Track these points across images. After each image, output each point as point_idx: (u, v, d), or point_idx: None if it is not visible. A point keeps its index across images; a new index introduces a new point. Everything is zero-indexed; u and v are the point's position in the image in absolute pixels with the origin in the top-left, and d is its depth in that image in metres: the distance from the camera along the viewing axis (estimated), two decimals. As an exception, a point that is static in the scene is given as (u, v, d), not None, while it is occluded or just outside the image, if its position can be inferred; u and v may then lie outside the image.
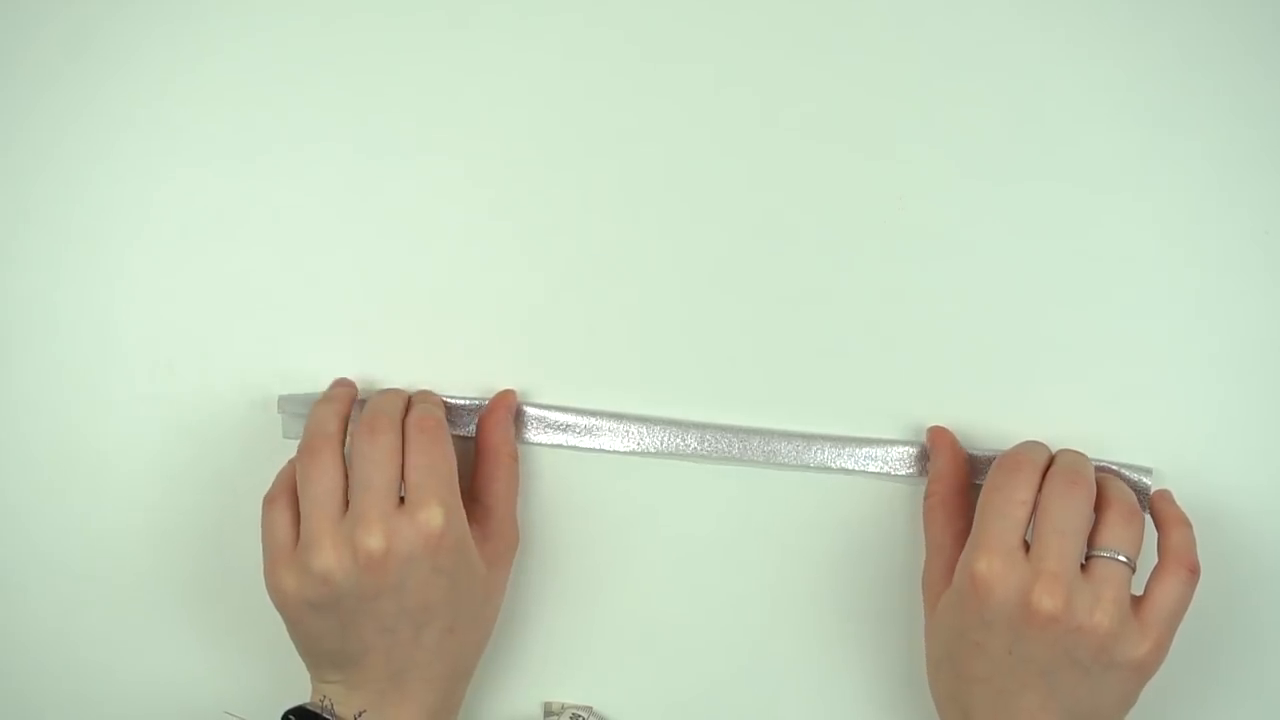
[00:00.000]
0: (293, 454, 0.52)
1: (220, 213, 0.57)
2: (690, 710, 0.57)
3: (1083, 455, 0.50)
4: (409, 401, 0.53)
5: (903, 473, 0.54)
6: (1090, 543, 0.48)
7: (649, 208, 0.56)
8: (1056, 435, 0.53)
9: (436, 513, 0.49)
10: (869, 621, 0.56)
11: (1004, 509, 0.48)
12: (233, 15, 0.56)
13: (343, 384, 0.55)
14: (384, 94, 0.56)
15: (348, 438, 0.51)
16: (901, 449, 0.54)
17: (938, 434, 0.54)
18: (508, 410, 0.55)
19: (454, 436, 0.53)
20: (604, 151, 0.55)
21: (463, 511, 0.51)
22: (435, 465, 0.50)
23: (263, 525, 0.51)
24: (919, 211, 0.54)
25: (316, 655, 0.51)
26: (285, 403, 0.56)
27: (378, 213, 0.56)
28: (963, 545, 0.50)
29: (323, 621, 0.50)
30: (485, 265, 0.56)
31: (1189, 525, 0.49)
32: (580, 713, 0.57)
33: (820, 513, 0.56)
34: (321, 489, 0.49)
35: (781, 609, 0.56)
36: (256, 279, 0.57)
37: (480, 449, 0.55)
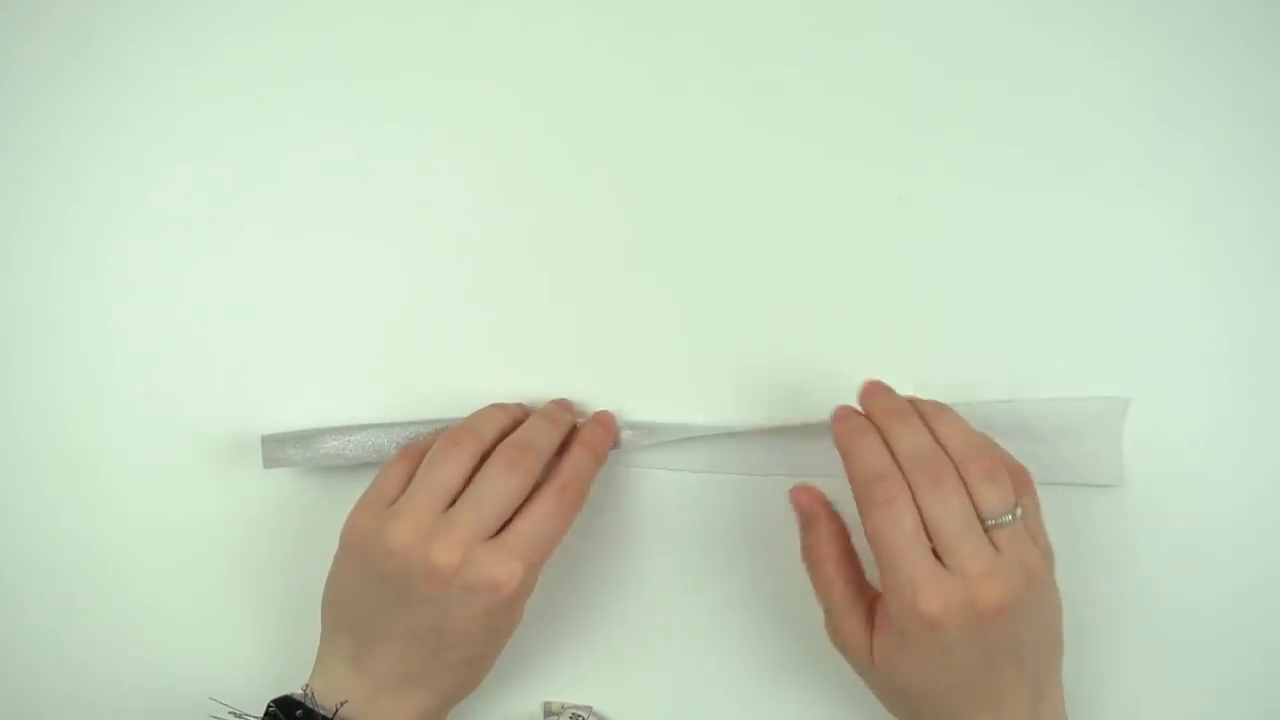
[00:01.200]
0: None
1: (219, 214, 0.57)
2: (690, 710, 0.58)
3: (910, 421, 0.49)
4: (577, 432, 0.53)
5: None
6: (979, 513, 0.47)
7: (649, 209, 0.56)
8: (1048, 437, 0.53)
9: (516, 570, 0.48)
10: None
11: (903, 544, 0.47)
12: (231, 17, 0.56)
13: (524, 408, 0.55)
14: (384, 96, 0.56)
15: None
16: None
17: (808, 497, 0.51)
18: (598, 464, 0.53)
19: None
20: (604, 154, 0.55)
21: (536, 578, 0.50)
22: (548, 529, 0.50)
23: (383, 468, 0.51)
24: (918, 211, 0.54)
25: (345, 620, 0.51)
26: (268, 444, 0.56)
27: (377, 214, 0.56)
28: (867, 593, 0.50)
29: (365, 584, 0.50)
30: (485, 267, 0.56)
31: (990, 438, 0.49)
32: (580, 713, 0.57)
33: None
34: (439, 479, 0.50)
35: (781, 609, 0.56)
36: (255, 279, 0.57)
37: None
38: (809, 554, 0.52)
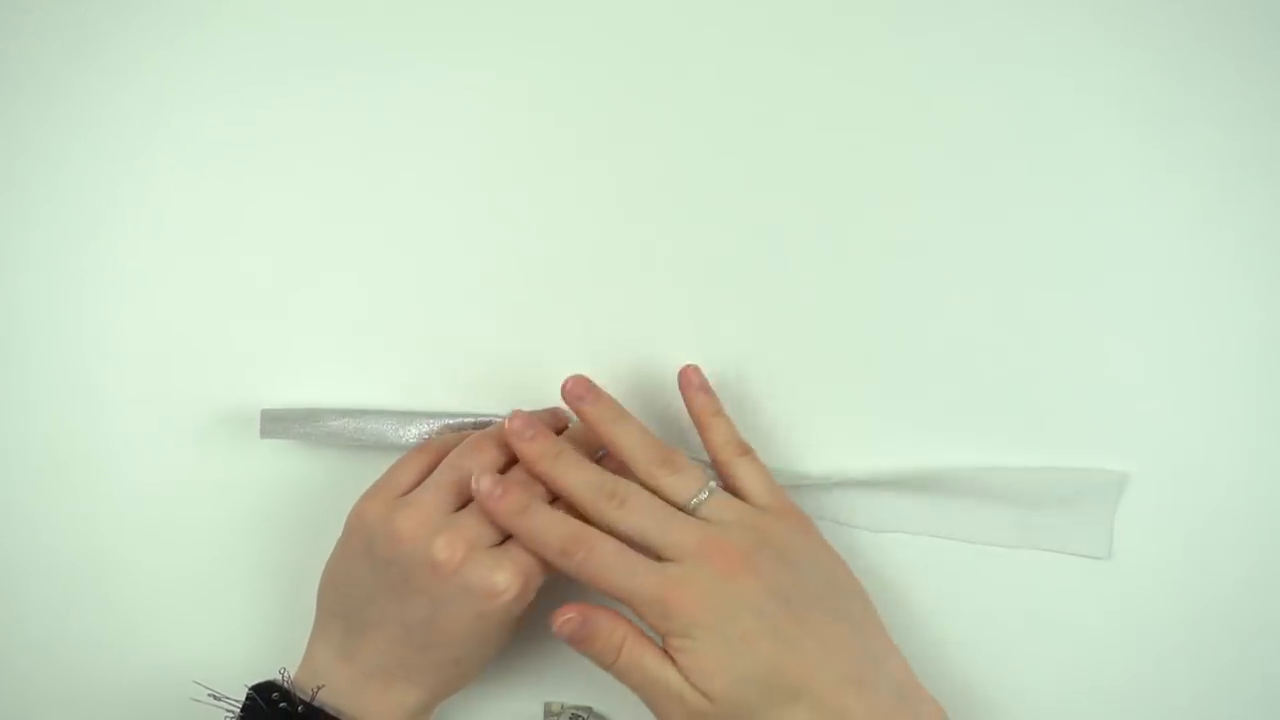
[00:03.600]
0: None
1: (219, 214, 0.57)
2: (690, 710, 0.57)
3: (565, 455, 0.49)
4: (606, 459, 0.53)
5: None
6: (674, 504, 0.49)
7: (649, 211, 0.56)
8: (1051, 436, 0.53)
9: (513, 583, 0.49)
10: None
11: (622, 572, 0.47)
12: (233, 20, 0.56)
13: (555, 415, 0.54)
14: (386, 97, 0.56)
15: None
16: None
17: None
18: None
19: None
20: (604, 154, 0.55)
21: (534, 594, 0.50)
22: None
23: (401, 458, 0.52)
24: (910, 217, 0.54)
25: (340, 604, 0.51)
26: (267, 418, 0.56)
27: (377, 215, 0.56)
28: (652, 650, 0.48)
29: (366, 569, 0.50)
30: (484, 267, 0.56)
31: (722, 412, 0.52)
32: (580, 713, 0.57)
33: (818, 512, 0.56)
34: (457, 479, 0.50)
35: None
36: (255, 280, 0.57)
37: None
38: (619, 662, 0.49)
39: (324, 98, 0.56)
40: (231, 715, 0.51)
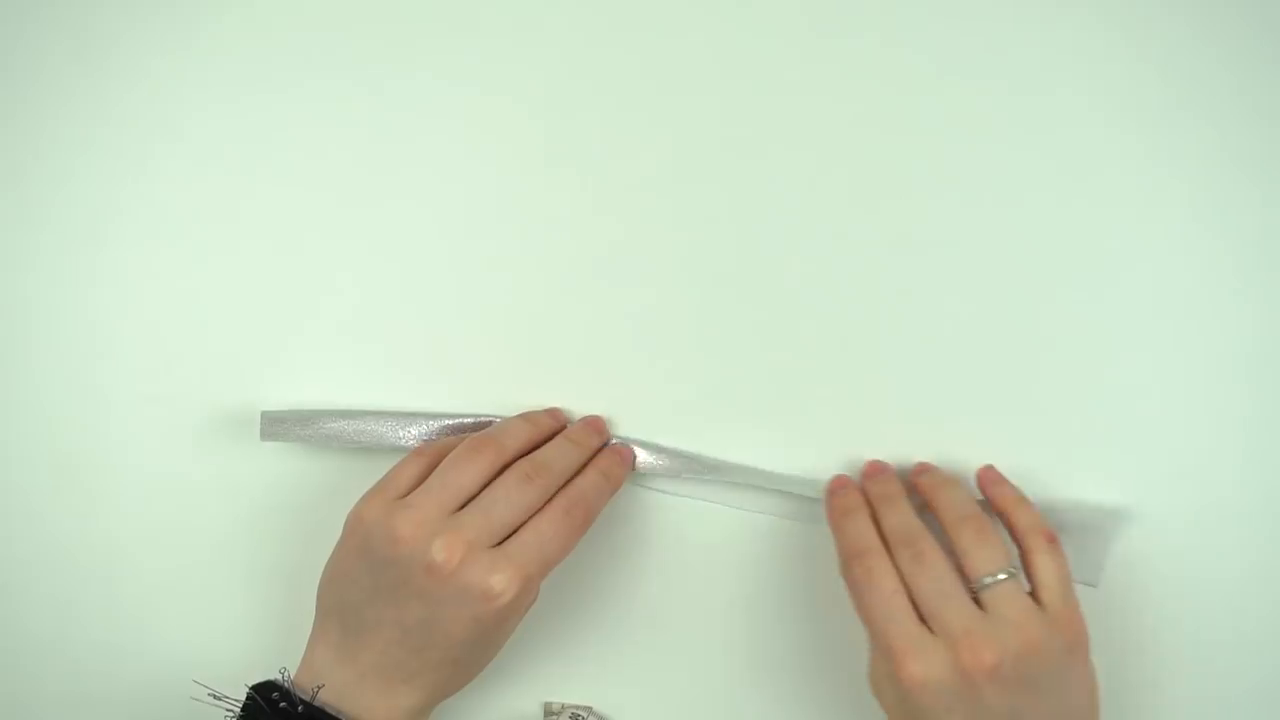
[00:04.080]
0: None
1: (221, 215, 0.57)
2: (690, 710, 0.58)
3: (899, 506, 0.51)
4: (598, 455, 0.54)
5: None
6: (966, 576, 0.49)
7: (650, 212, 0.55)
8: (1045, 438, 0.53)
9: (512, 583, 0.49)
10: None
11: (886, 609, 0.48)
12: (235, 26, 0.56)
13: (554, 415, 0.55)
14: (387, 98, 0.56)
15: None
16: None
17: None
18: (611, 491, 0.54)
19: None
20: (605, 154, 0.55)
21: (536, 594, 0.50)
22: (550, 546, 0.50)
23: (399, 461, 0.52)
24: (910, 219, 0.54)
25: (339, 605, 0.51)
26: (267, 420, 0.56)
27: (378, 217, 0.56)
28: None
29: (364, 572, 0.50)
30: (485, 269, 0.56)
31: (1024, 499, 0.51)
32: (580, 713, 0.57)
33: (817, 518, 0.56)
34: (455, 481, 0.50)
35: (782, 610, 0.56)
36: (256, 281, 0.57)
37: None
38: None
39: (327, 100, 0.56)
40: (232, 715, 0.51)
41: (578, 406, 0.56)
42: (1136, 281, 0.53)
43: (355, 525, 0.51)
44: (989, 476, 0.53)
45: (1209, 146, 0.52)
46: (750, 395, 0.56)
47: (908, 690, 0.47)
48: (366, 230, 0.57)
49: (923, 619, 0.48)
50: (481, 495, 0.50)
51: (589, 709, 0.57)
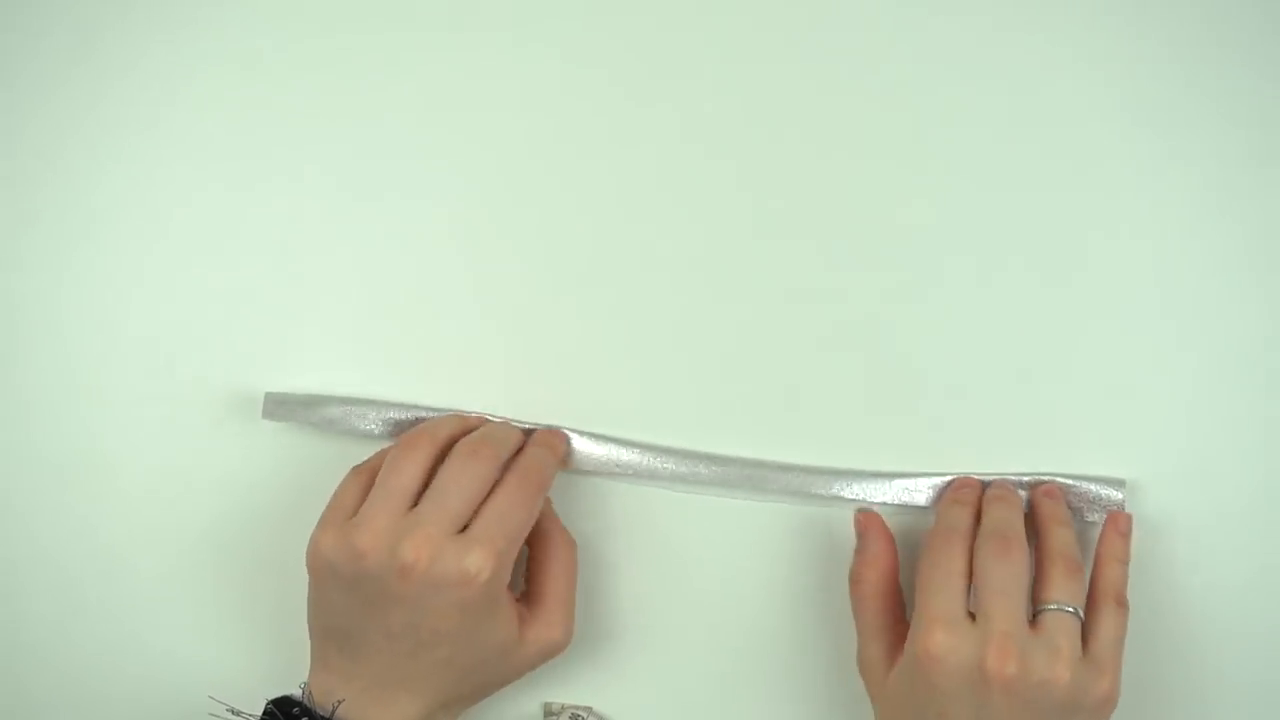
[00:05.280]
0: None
1: (221, 215, 0.57)
2: (690, 710, 0.57)
3: (1013, 508, 0.51)
4: (528, 438, 0.54)
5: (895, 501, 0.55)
6: (1036, 598, 0.49)
7: (649, 213, 0.55)
8: (1041, 437, 0.53)
9: (485, 562, 0.49)
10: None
11: (944, 582, 0.48)
12: (234, 22, 0.56)
13: (482, 417, 0.55)
14: (385, 99, 0.56)
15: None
16: (912, 480, 0.54)
17: (868, 519, 0.53)
18: (555, 458, 0.54)
19: None
20: (606, 154, 0.55)
21: (509, 574, 0.50)
22: (511, 516, 0.50)
23: (339, 485, 0.52)
24: (908, 217, 0.54)
25: (325, 628, 0.51)
26: (271, 400, 0.56)
27: (378, 217, 0.56)
28: (899, 627, 0.51)
29: (340, 595, 0.50)
30: (484, 271, 0.56)
31: (1125, 563, 0.51)
32: (580, 713, 0.57)
33: (816, 521, 0.56)
34: (399, 482, 0.50)
35: (782, 610, 0.56)
36: (257, 281, 0.57)
37: (536, 534, 0.53)
38: (852, 574, 0.53)
39: (326, 94, 0.56)
40: None
41: (577, 406, 0.56)
42: (1137, 282, 0.53)
43: (315, 560, 0.50)
44: (1121, 528, 0.52)
45: (1213, 142, 0.52)
46: (751, 395, 0.56)
47: (921, 659, 0.47)
48: (366, 230, 0.57)
49: (972, 616, 0.48)
50: (431, 487, 0.50)
51: (589, 709, 0.57)
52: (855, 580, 0.53)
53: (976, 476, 0.54)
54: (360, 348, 0.57)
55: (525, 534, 0.51)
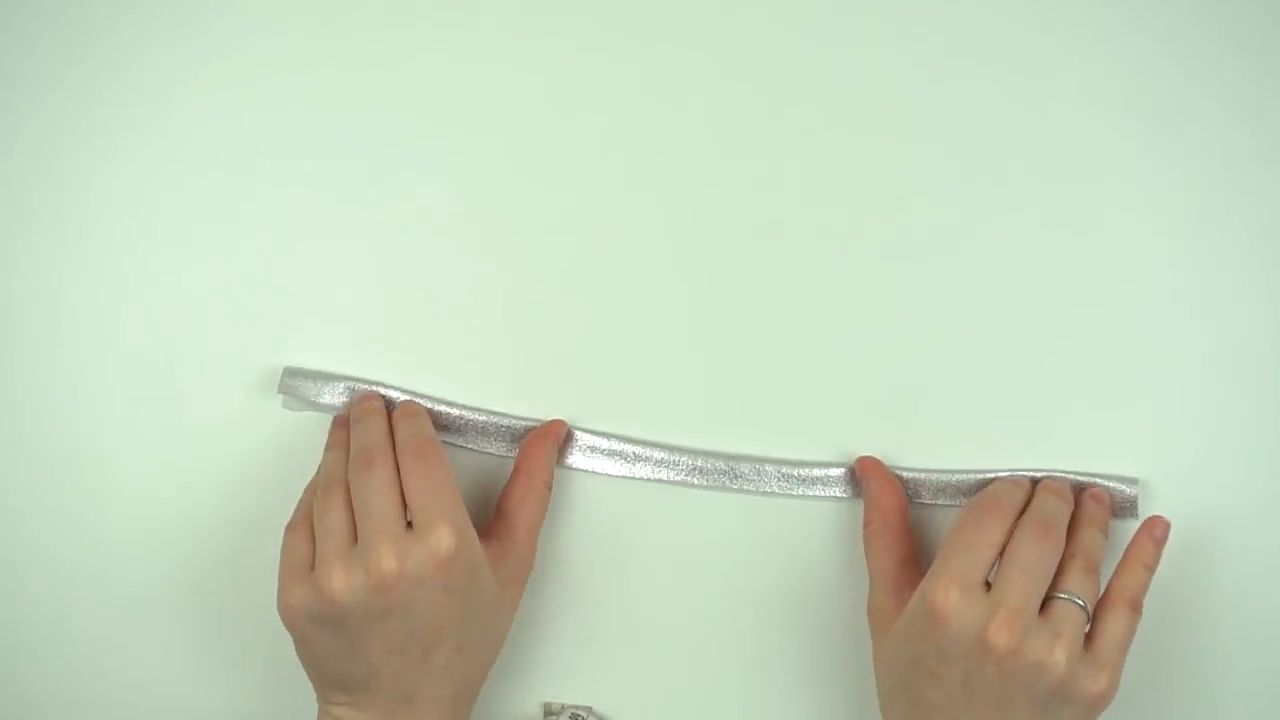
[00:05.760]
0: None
1: (222, 213, 0.57)
2: (690, 710, 0.58)
3: (1064, 501, 0.52)
4: (392, 419, 0.54)
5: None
6: (1051, 586, 0.49)
7: (650, 212, 0.55)
8: (1047, 436, 0.53)
9: (447, 534, 0.49)
10: (865, 623, 0.56)
11: (974, 546, 0.49)
12: (234, 18, 0.56)
13: (341, 426, 0.55)
14: (386, 96, 0.56)
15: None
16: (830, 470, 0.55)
17: (867, 463, 0.55)
18: (555, 440, 0.55)
19: (484, 455, 0.55)
20: (606, 153, 0.55)
21: (473, 530, 0.51)
22: (437, 488, 0.50)
23: (282, 548, 0.52)
24: (913, 215, 0.54)
25: (324, 676, 0.51)
26: (290, 377, 0.56)
27: (379, 216, 0.56)
28: (908, 570, 0.52)
29: (329, 640, 0.50)
30: (486, 268, 0.56)
31: (1150, 569, 0.51)
32: (580, 713, 0.57)
33: (818, 520, 0.56)
34: (333, 521, 0.50)
35: (783, 609, 0.56)
36: (257, 280, 0.57)
37: (518, 469, 0.55)
38: (865, 517, 0.54)
39: (325, 100, 0.56)
40: None
41: (577, 405, 0.56)
42: (1137, 282, 0.53)
43: (293, 616, 0.50)
44: (1157, 535, 0.52)
45: (1220, 140, 0.52)
46: (750, 396, 0.56)
47: (929, 609, 0.48)
48: (366, 231, 0.56)
49: (988, 586, 0.48)
50: (356, 512, 0.50)
51: (589, 709, 0.58)
52: (864, 524, 0.54)
53: (989, 475, 0.54)
54: (360, 347, 0.57)
55: (459, 492, 0.51)
